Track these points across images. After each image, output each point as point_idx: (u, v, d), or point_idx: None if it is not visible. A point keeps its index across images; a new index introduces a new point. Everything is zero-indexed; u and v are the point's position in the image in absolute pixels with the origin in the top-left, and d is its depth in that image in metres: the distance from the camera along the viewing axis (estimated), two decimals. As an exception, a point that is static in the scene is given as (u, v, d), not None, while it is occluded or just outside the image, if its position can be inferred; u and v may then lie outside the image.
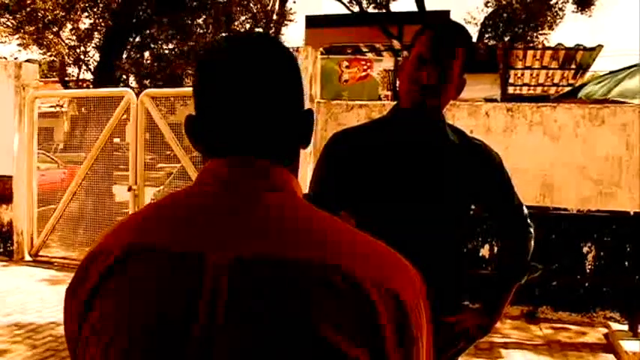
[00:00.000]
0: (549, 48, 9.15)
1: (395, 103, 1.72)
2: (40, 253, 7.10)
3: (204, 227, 0.71)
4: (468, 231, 1.74)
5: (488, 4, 16.83)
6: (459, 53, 1.54)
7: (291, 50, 0.84)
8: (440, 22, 1.70)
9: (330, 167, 1.67)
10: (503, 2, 16.12)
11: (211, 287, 0.66)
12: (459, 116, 5.31)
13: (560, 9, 16.67)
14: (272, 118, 0.78)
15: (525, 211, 1.76)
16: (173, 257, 0.69)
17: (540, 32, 16.90)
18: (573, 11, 16.71)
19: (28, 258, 7.03)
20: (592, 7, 16.53)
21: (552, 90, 11.92)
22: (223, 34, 12.37)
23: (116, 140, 7.26)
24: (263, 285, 0.66)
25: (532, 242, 1.75)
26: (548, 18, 16.71)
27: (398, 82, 2.08)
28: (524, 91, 12.20)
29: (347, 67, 7.01)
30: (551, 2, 16.41)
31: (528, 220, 1.76)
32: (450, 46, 1.53)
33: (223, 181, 0.76)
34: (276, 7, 15.40)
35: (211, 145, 0.80)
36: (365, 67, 6.98)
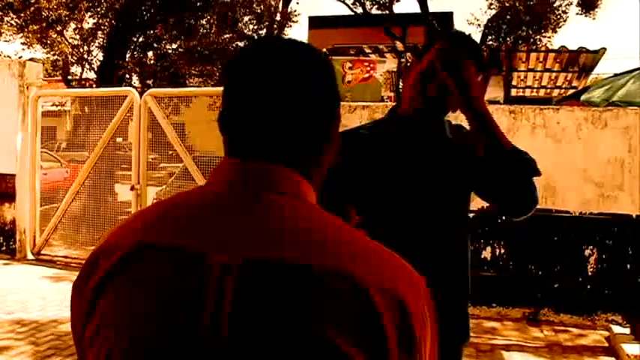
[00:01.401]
0: (552, 50, 9.13)
1: (395, 104, 1.74)
2: (43, 252, 7.11)
3: (205, 227, 0.71)
4: (470, 230, 1.70)
5: (492, 6, 16.79)
6: (468, 67, 1.55)
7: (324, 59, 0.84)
8: (449, 34, 1.70)
9: (332, 167, 1.68)
10: (507, 4, 16.09)
11: (216, 287, 0.66)
12: (461, 118, 5.30)
13: (564, 11, 16.64)
14: (283, 123, 0.78)
15: None
16: (175, 256, 0.69)
17: (543, 35, 16.87)
18: (577, 13, 16.67)
19: (30, 256, 7.04)
20: (596, 9, 16.49)
21: (555, 92, 11.90)
22: (228, 35, 12.41)
23: (118, 140, 7.27)
24: (265, 286, 0.66)
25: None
26: (552, 20, 16.67)
27: (401, 86, 2.08)
28: (527, 93, 12.19)
29: (350, 68, 7.01)
30: (555, 5, 16.38)
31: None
32: (459, 61, 1.54)
33: (226, 180, 0.76)
34: (280, 7, 15.40)
35: (226, 144, 0.81)
36: (368, 68, 6.98)
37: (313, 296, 0.65)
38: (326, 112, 0.82)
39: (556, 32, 17.05)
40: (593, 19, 16.69)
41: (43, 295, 5.54)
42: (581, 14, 16.63)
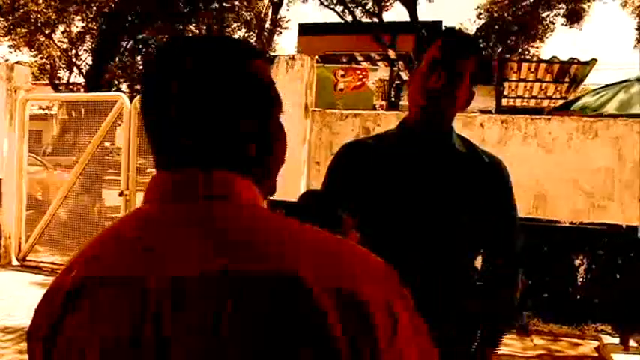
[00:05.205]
0: (544, 61, 9.20)
1: (395, 112, 1.72)
2: (28, 258, 7.01)
3: (146, 248, 0.71)
4: (473, 242, 1.70)
5: (481, 16, 17.00)
6: (470, 61, 1.56)
7: (257, 55, 0.79)
8: (450, 31, 1.72)
9: (337, 177, 1.67)
10: (495, 14, 16.28)
11: (154, 311, 0.66)
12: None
13: (551, 22, 16.90)
14: (214, 128, 0.74)
15: (520, 243, 1.71)
16: (117, 284, 0.69)
17: (531, 45, 17.09)
18: (562, 24, 16.94)
19: (15, 262, 6.94)
20: (581, 21, 16.77)
21: (545, 103, 11.99)
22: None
23: (106, 144, 7.21)
24: (204, 301, 0.65)
25: (520, 283, 1.71)
26: (539, 31, 16.91)
27: (405, 93, 2.08)
28: (518, 103, 12.28)
29: (342, 75, 7.01)
30: (542, 15, 16.61)
31: (520, 254, 1.71)
32: (461, 52, 1.55)
33: (167, 191, 0.74)
34: (269, 14, 15.42)
35: (157, 158, 0.78)
36: (360, 76, 6.99)
37: (252, 302, 0.65)
38: (256, 111, 0.78)
39: (543, 42, 17.30)
40: (579, 29, 16.97)
41: (29, 301, 5.44)
42: (566, 25, 16.90)
